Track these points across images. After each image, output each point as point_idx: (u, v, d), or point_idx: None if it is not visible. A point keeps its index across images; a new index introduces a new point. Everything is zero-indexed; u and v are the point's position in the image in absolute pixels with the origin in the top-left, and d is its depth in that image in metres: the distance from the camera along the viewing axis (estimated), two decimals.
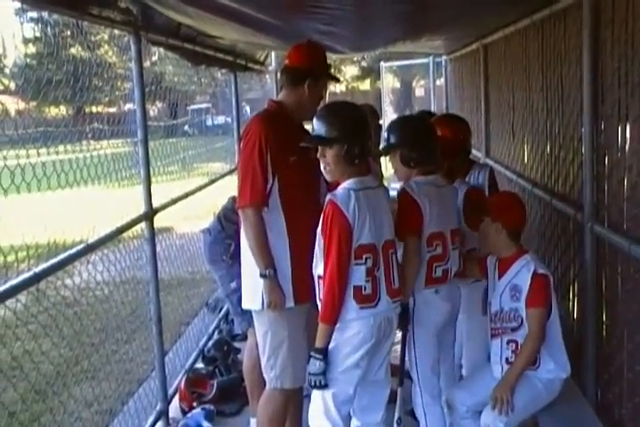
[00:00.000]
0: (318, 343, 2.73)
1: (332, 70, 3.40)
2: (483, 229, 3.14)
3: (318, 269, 2.79)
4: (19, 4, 2.72)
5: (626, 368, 2.99)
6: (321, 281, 2.77)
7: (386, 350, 2.89)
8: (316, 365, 2.71)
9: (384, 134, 3.18)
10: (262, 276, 2.94)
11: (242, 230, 3.05)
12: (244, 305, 3.13)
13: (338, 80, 3.47)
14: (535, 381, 2.98)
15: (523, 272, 3.00)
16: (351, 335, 2.73)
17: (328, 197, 2.75)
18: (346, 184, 2.78)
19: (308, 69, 3.09)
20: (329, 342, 2.72)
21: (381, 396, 2.93)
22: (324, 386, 2.73)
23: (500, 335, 3.08)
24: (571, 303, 3.80)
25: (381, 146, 3.26)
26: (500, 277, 3.10)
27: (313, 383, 2.74)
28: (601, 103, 3.24)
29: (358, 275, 2.72)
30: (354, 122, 2.79)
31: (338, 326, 2.73)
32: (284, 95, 3.16)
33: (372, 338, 2.75)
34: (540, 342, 2.94)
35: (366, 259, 2.72)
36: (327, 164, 2.79)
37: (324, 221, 2.72)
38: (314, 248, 2.93)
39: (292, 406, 3.25)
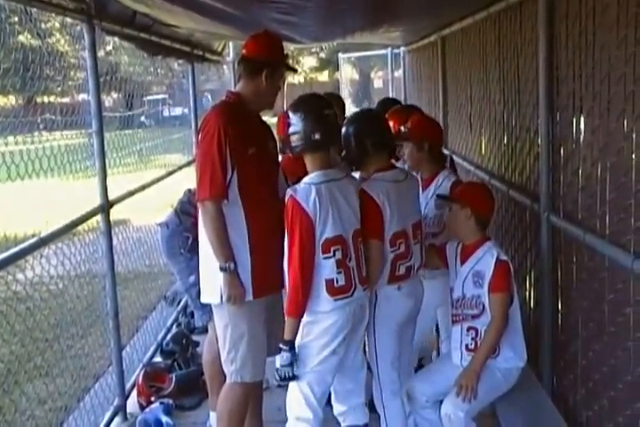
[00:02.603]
0: (286, 336, 2.76)
1: (290, 61, 3.38)
2: (451, 216, 3.18)
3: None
4: None
5: (580, 355, 3.05)
6: None
7: (360, 335, 2.95)
8: (283, 357, 2.74)
9: None
10: (222, 269, 2.91)
11: (200, 224, 3.01)
12: (203, 299, 3.10)
13: (295, 71, 3.46)
14: (494, 370, 3.02)
15: (486, 258, 3.04)
16: (328, 326, 2.76)
17: (288, 191, 2.77)
18: (307, 179, 2.81)
19: (265, 60, 3.05)
20: (296, 334, 2.75)
21: (361, 379, 3.02)
22: (292, 378, 2.75)
23: (460, 322, 3.11)
24: (527, 292, 3.86)
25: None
26: (462, 263, 3.13)
27: (283, 375, 2.76)
28: (556, 95, 3.28)
29: (328, 268, 2.74)
30: None
31: (312, 319, 2.75)
32: (241, 86, 3.12)
33: (348, 325, 2.79)
34: (504, 327, 2.98)
35: (334, 251, 2.75)
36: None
37: (286, 216, 2.74)
38: (273, 241, 2.93)
39: (253, 399, 3.24)
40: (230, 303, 2.94)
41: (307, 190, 2.74)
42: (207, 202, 2.92)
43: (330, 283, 2.74)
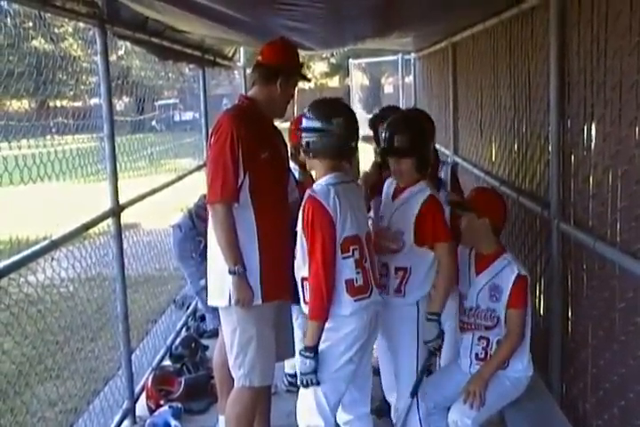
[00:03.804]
0: (308, 342, 2.71)
1: (304, 69, 3.40)
2: (469, 225, 3.14)
3: (302, 271, 2.77)
4: None
5: (590, 363, 3.03)
6: (306, 283, 2.75)
7: (372, 345, 2.97)
8: (306, 363, 2.70)
9: (386, 133, 3.10)
10: (231, 272, 2.91)
11: (210, 226, 3.02)
12: (211, 302, 3.10)
13: (309, 80, 3.48)
14: (504, 379, 3.01)
15: (505, 273, 3.03)
16: (346, 333, 2.74)
17: (307, 192, 2.76)
18: (322, 180, 2.80)
19: (281, 67, 3.07)
20: (319, 340, 2.70)
21: (369, 388, 2.99)
22: (315, 384, 2.71)
23: (472, 330, 3.10)
24: (537, 299, 3.85)
25: (387, 146, 3.12)
26: (478, 273, 3.12)
27: (305, 383, 2.72)
28: (567, 102, 3.28)
29: (348, 268, 2.73)
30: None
31: (331, 325, 2.72)
32: (255, 91, 3.13)
33: (364, 335, 2.78)
34: (519, 343, 2.99)
35: (353, 251, 2.75)
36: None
37: (305, 218, 2.72)
38: (283, 245, 2.94)
39: (261, 403, 3.23)
40: (239, 307, 2.94)
41: (325, 190, 2.74)
42: (217, 205, 2.93)
43: (350, 283, 2.73)
